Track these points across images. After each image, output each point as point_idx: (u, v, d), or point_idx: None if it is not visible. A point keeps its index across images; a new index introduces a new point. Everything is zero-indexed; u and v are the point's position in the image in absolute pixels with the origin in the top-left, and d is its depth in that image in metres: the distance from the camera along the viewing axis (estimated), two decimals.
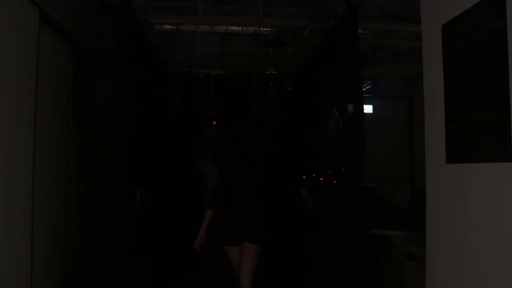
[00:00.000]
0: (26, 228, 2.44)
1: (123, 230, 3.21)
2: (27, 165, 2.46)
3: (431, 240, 2.22)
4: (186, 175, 4.81)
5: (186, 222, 4.56)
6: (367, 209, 3.39)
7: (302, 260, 4.33)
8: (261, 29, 3.97)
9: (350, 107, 3.42)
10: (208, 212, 3.09)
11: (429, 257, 2.23)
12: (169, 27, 3.93)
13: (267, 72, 4.95)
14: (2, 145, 2.17)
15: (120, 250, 3.18)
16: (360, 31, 3.46)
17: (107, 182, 3.32)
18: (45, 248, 2.78)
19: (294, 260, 4.46)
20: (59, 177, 3.10)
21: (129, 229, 3.30)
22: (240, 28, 3.98)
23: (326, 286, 3.71)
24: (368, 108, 6.49)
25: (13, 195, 2.29)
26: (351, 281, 3.23)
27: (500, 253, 1.66)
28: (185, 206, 4.50)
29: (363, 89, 5.81)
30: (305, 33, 4.09)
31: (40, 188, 2.61)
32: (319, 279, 3.87)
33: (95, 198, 3.43)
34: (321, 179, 4.15)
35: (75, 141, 3.36)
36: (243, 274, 2.87)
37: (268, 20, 3.98)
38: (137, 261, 3.48)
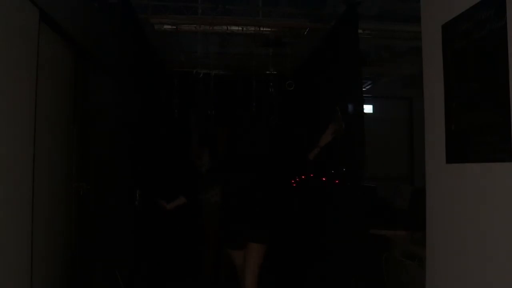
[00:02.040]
0: (26, 228, 2.44)
1: (123, 230, 3.21)
2: (27, 165, 2.46)
3: (431, 240, 2.22)
4: (186, 175, 4.81)
5: (186, 222, 4.57)
6: (367, 209, 3.39)
7: (302, 260, 4.34)
8: (261, 29, 3.97)
9: (350, 107, 3.42)
10: (181, 199, 3.11)
11: (429, 257, 2.23)
12: (169, 27, 3.93)
13: (267, 72, 4.95)
14: (2, 145, 2.17)
15: (120, 250, 3.18)
16: (360, 31, 3.46)
17: (107, 182, 3.32)
18: (45, 248, 2.78)
19: (294, 260, 4.46)
20: (59, 177, 3.10)
21: (129, 229, 3.30)
22: (240, 28, 3.99)
23: (326, 286, 3.71)
24: (368, 108, 6.50)
25: (13, 195, 2.29)
26: (351, 281, 3.23)
27: (501, 253, 1.66)
28: (185, 206, 4.50)
29: (363, 89, 5.82)
30: (305, 33, 4.10)
31: (40, 188, 2.61)
32: (319, 278, 3.87)
33: (95, 198, 3.43)
34: (324, 179, 4.15)
35: (75, 141, 3.36)
36: (247, 275, 2.80)
37: (268, 20, 3.99)
38: (137, 261, 3.48)
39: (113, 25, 3.27)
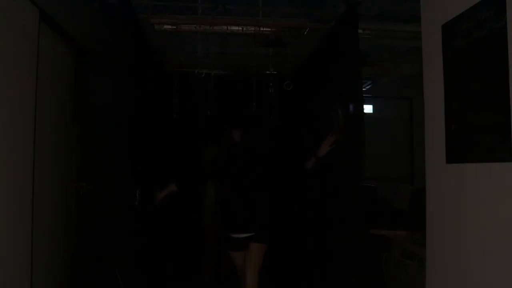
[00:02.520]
0: (26, 228, 2.44)
1: (123, 230, 3.21)
2: (27, 165, 2.46)
3: (431, 240, 2.22)
4: (186, 175, 4.80)
5: (186, 222, 4.57)
6: (367, 209, 3.39)
7: (301, 260, 4.33)
8: (261, 29, 3.97)
9: (350, 107, 3.42)
10: (171, 186, 3.13)
11: (429, 257, 2.23)
12: (169, 27, 3.93)
13: (267, 72, 4.95)
14: (2, 145, 2.17)
15: (120, 250, 3.18)
16: (360, 31, 3.46)
17: (107, 182, 3.32)
18: (45, 248, 2.78)
19: (294, 260, 4.46)
20: (59, 177, 3.10)
21: (129, 229, 3.30)
22: (240, 28, 3.98)
23: (326, 286, 3.71)
24: (368, 108, 6.50)
25: (13, 195, 2.29)
26: (351, 281, 3.23)
27: (501, 253, 1.66)
28: (185, 206, 4.51)
29: (363, 89, 5.82)
30: (305, 33, 4.09)
31: (40, 188, 2.61)
32: (319, 278, 3.87)
33: (95, 198, 3.43)
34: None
35: (75, 141, 3.36)
36: (248, 275, 2.79)
37: (268, 20, 3.98)
38: (137, 261, 3.48)
39: (113, 25, 3.27)
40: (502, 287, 1.65)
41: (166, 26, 3.92)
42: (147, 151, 3.90)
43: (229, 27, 3.98)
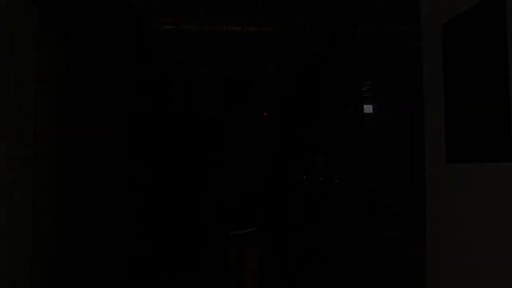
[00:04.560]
0: (26, 228, 2.44)
1: (122, 230, 3.21)
2: (28, 165, 2.46)
3: (431, 240, 2.22)
4: (186, 174, 4.81)
5: (187, 222, 4.57)
6: (367, 209, 3.40)
7: (301, 260, 4.33)
8: (261, 29, 3.98)
9: (350, 107, 3.43)
10: None
11: (429, 257, 2.23)
12: (169, 27, 3.94)
13: (267, 72, 4.96)
14: (3, 145, 2.17)
15: (119, 249, 3.18)
16: (360, 31, 3.47)
17: (106, 183, 3.32)
18: (45, 247, 2.78)
19: (294, 260, 4.46)
20: (59, 176, 3.10)
21: (129, 229, 3.30)
22: (240, 28, 3.99)
23: (326, 286, 3.71)
24: (368, 108, 6.50)
25: (14, 195, 2.29)
26: (351, 280, 3.23)
27: (500, 252, 1.66)
28: (186, 206, 4.51)
29: (363, 89, 5.82)
30: (305, 33, 4.10)
31: (40, 188, 2.61)
32: (319, 278, 3.87)
33: (95, 198, 3.43)
34: (321, 178, 4.16)
35: (75, 141, 3.36)
36: (248, 275, 2.77)
37: (268, 20, 3.99)
38: (137, 261, 3.48)
39: (113, 25, 3.27)
40: (501, 286, 1.65)
41: (166, 26, 3.93)
42: (147, 150, 3.90)
43: (229, 27, 3.99)
